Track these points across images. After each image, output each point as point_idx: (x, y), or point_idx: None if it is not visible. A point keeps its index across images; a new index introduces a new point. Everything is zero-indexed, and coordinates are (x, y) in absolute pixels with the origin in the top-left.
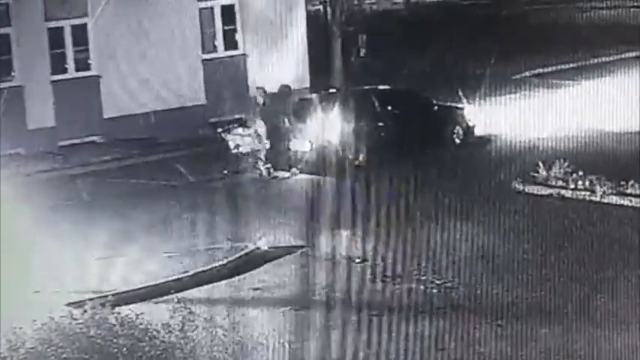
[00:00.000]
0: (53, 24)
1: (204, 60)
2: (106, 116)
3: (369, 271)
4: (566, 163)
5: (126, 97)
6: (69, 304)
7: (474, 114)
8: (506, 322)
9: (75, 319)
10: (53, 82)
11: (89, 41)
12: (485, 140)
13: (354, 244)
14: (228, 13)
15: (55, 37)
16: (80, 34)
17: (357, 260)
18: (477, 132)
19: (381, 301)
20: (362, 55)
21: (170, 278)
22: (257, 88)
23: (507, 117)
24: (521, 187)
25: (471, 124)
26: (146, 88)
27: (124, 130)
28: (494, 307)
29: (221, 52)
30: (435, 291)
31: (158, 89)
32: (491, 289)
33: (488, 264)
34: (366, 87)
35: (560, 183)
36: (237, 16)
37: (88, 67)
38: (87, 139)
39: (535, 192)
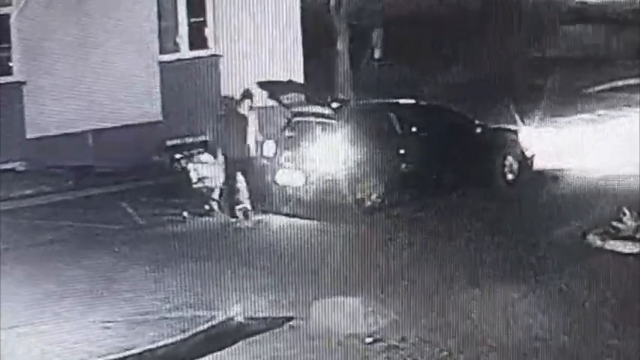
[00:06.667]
0: None
1: (161, 62)
2: (29, 136)
3: (384, 355)
4: None
5: (57, 110)
6: None
7: (533, 139)
8: None
9: None
10: None
11: (12, 38)
12: (549, 177)
13: (362, 316)
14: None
15: None
16: (0, 29)
17: (368, 340)
18: (537, 165)
19: None
20: (377, 57)
21: (108, 358)
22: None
23: (579, 144)
24: (599, 243)
25: (528, 153)
26: (83, 100)
27: (53, 155)
28: None
29: (185, 53)
30: None
31: (99, 101)
32: None
33: (555, 350)
34: (382, 100)
35: None
36: (208, 5)
37: (9, 71)
38: (3, 166)
39: (619, 249)
